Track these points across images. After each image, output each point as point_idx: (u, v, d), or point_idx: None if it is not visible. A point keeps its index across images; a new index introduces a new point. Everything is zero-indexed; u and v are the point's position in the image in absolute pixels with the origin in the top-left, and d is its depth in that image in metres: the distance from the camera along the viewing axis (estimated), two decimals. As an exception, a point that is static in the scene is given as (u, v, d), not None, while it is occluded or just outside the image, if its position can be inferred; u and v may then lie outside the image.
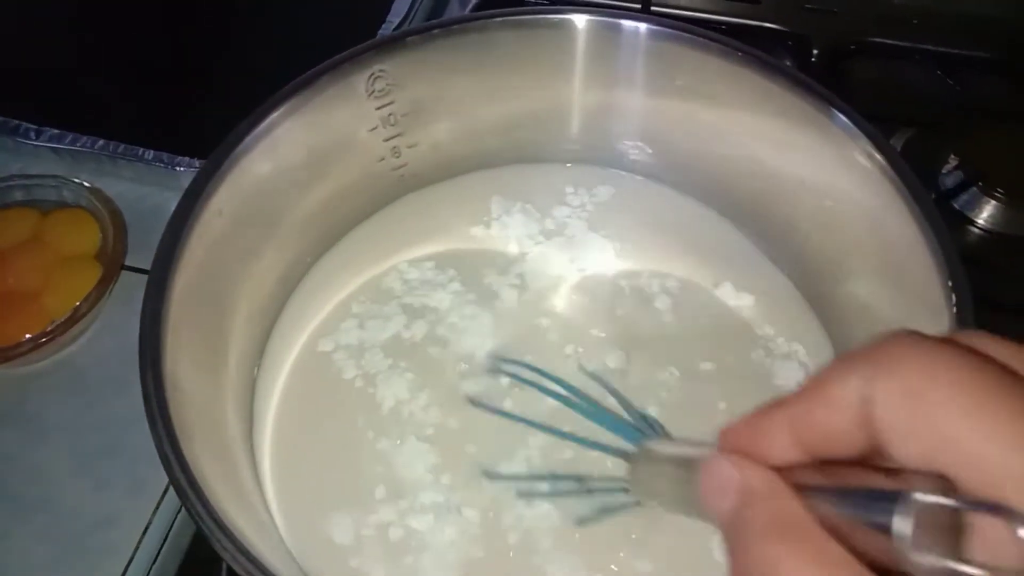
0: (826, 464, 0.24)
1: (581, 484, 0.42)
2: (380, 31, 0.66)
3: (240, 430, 0.45)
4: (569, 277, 0.52)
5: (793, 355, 0.49)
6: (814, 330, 0.49)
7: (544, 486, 0.43)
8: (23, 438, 0.51)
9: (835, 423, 0.23)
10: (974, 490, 0.20)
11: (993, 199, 0.60)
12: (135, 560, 0.48)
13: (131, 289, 0.57)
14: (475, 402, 0.46)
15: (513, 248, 0.53)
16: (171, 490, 0.48)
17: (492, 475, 0.44)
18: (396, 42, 0.46)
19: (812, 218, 0.48)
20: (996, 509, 0.19)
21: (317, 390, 0.48)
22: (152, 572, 0.48)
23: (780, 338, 0.49)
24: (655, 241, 0.53)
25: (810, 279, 0.50)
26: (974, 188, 0.60)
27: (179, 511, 0.50)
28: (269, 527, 0.42)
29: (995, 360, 0.22)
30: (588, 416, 0.40)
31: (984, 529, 0.20)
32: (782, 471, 0.23)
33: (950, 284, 0.37)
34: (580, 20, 0.48)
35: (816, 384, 0.23)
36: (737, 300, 0.51)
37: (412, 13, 0.68)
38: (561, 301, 0.51)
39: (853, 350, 0.23)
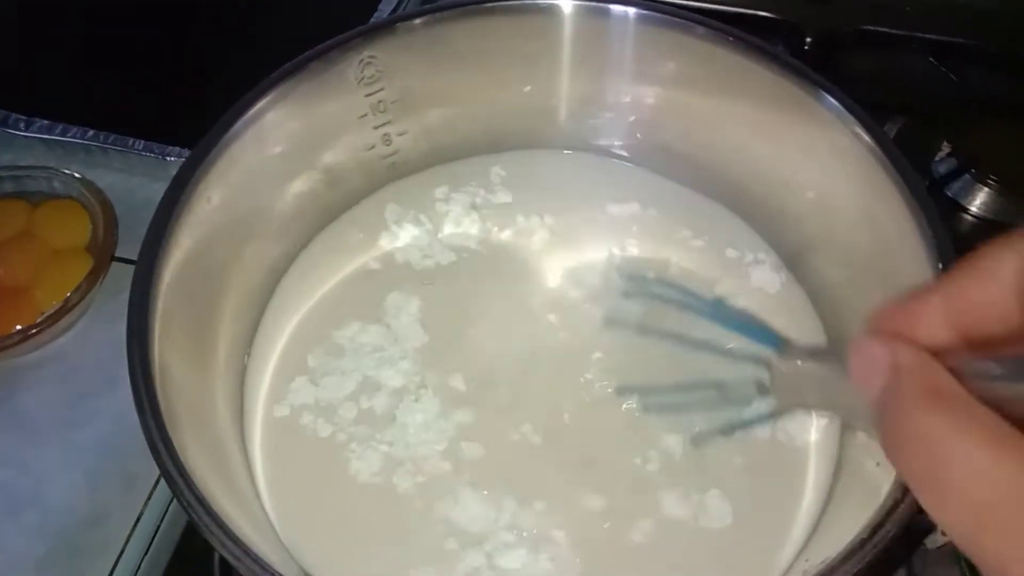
0: (977, 346, 0.23)
1: (720, 392, 0.40)
2: (372, 20, 0.66)
3: (231, 423, 0.45)
4: (565, 263, 0.52)
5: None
6: (810, 317, 0.50)
7: (680, 397, 0.43)
8: (12, 431, 0.51)
9: (991, 297, 0.23)
10: None
11: (986, 187, 0.59)
12: (125, 554, 0.47)
13: (122, 281, 0.56)
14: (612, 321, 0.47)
15: (507, 230, 0.53)
16: (161, 484, 0.48)
17: (623, 389, 0.45)
18: (385, 28, 0.46)
19: (804, 203, 0.48)
20: None
21: (309, 395, 0.47)
22: (143, 566, 0.48)
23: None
24: (649, 226, 0.53)
25: (802, 261, 0.50)
26: (967, 176, 0.60)
27: (169, 505, 0.49)
28: (262, 520, 0.42)
29: None
30: (728, 324, 0.37)
31: None
32: (933, 353, 0.23)
33: (940, 267, 0.37)
34: (567, 5, 0.47)
35: (971, 260, 0.23)
36: (733, 281, 0.51)
37: (404, 1, 0.68)
38: (561, 285, 0.51)
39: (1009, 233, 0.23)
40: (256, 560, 0.31)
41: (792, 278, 0.51)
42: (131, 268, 0.57)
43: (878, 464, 0.37)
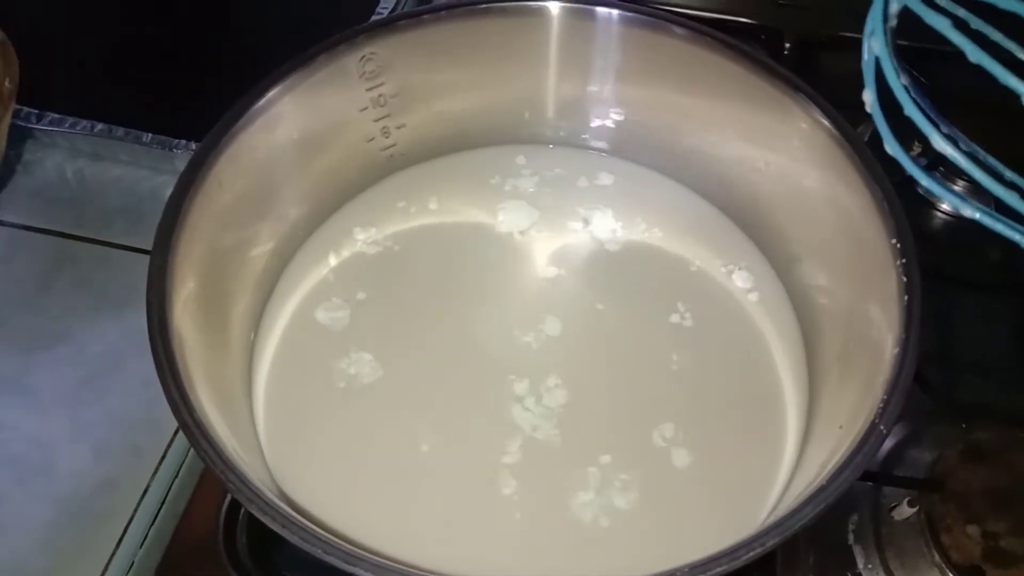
0: None
1: None
2: (372, 18, 0.68)
3: (242, 391, 0.48)
4: (550, 248, 0.55)
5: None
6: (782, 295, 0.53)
7: None
8: (24, 407, 0.53)
9: None
10: None
11: (955, 185, 0.62)
12: (134, 522, 0.50)
13: (129, 269, 0.59)
14: None
15: (499, 220, 0.56)
16: (168, 457, 0.51)
17: None
18: (387, 26, 0.49)
19: (776, 194, 0.51)
20: None
21: (308, 367, 0.50)
22: (150, 533, 0.50)
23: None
24: (631, 216, 0.56)
25: (773, 244, 0.54)
26: (937, 173, 0.63)
27: (175, 478, 0.51)
28: (263, 468, 0.45)
29: None
30: None
31: None
32: None
33: (894, 241, 0.40)
34: (554, 7, 0.50)
35: None
36: (709, 263, 0.54)
37: (402, 1, 0.71)
38: (547, 271, 0.54)
39: None
40: (266, 500, 0.33)
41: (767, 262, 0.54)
42: (138, 256, 0.60)
43: (841, 427, 0.39)
